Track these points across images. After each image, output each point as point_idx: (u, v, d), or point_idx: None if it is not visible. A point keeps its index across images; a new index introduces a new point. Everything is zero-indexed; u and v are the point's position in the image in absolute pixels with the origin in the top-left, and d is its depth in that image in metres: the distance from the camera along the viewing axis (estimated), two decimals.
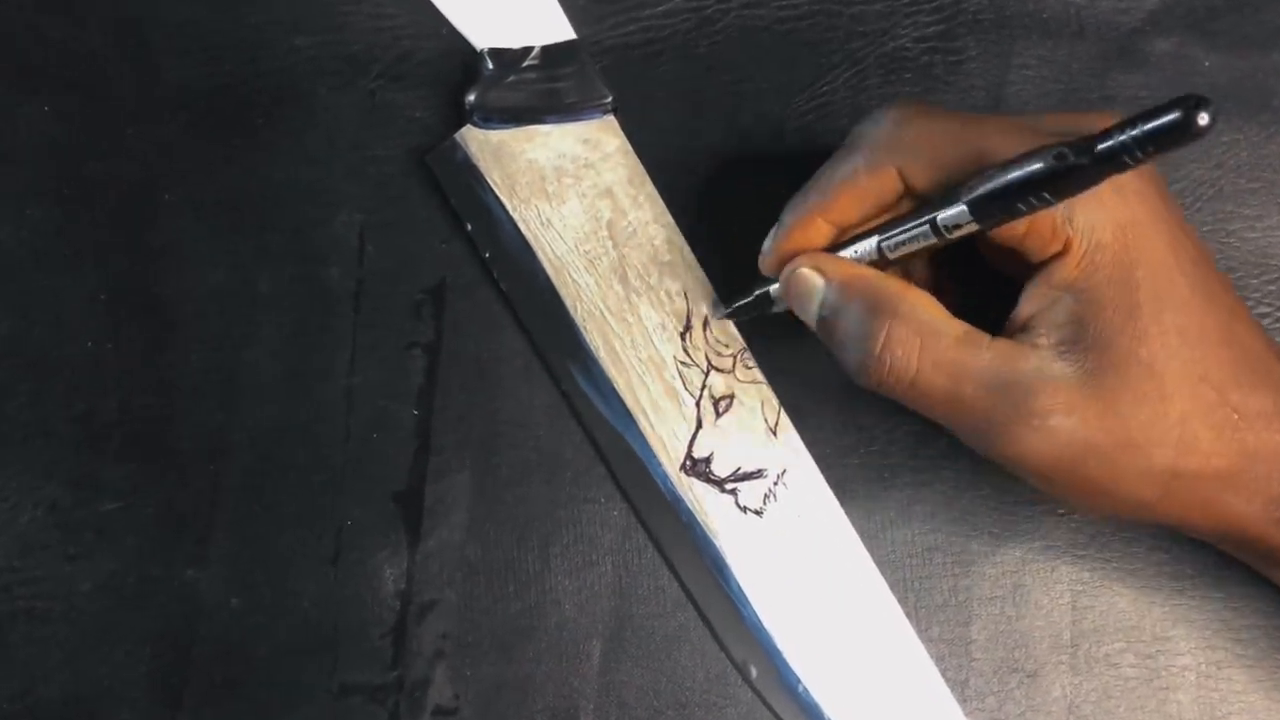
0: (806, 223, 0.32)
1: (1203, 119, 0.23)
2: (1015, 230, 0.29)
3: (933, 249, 0.30)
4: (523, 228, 0.38)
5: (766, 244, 0.34)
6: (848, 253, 0.32)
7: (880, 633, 0.37)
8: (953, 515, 0.38)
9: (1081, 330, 0.29)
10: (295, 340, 0.38)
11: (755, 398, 0.38)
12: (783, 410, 0.38)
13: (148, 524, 0.37)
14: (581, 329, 0.38)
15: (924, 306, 0.30)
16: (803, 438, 0.38)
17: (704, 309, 0.38)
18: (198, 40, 0.39)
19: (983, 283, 0.33)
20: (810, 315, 0.32)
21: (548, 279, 0.38)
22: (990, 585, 0.37)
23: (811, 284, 0.32)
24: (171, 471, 0.37)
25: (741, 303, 0.36)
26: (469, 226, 0.38)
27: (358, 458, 0.37)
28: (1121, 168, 0.25)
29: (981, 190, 0.28)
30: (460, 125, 0.39)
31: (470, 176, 0.38)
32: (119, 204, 0.39)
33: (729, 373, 0.38)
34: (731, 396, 0.38)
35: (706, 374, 0.37)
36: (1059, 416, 0.29)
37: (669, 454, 0.37)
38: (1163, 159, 0.24)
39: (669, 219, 0.38)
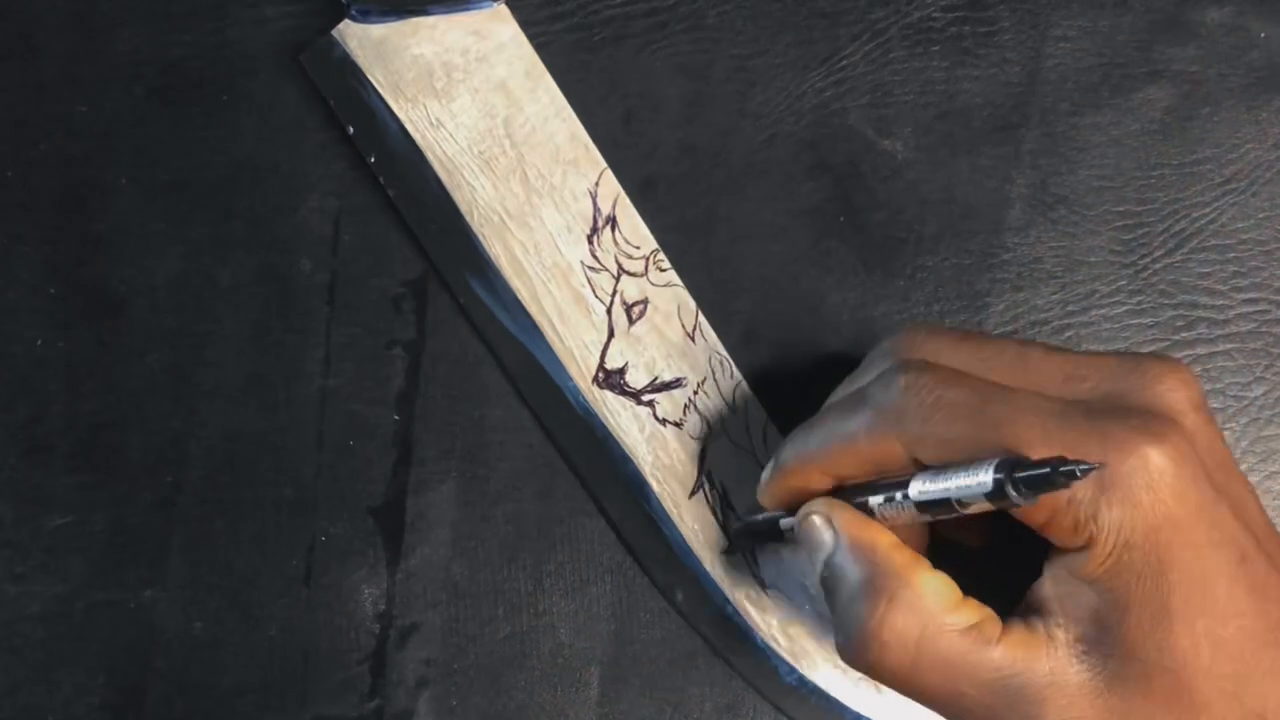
0: (804, 471, 0.31)
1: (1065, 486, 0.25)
2: (1033, 518, 0.27)
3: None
4: (410, 129, 0.36)
5: (765, 474, 0.32)
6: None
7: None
8: None
9: (1103, 631, 0.27)
10: (261, 338, 0.37)
11: (671, 301, 0.37)
12: (700, 313, 0.37)
13: (99, 541, 0.36)
14: (479, 236, 0.36)
15: (931, 590, 0.28)
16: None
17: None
18: (154, 5, 0.38)
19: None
20: (816, 570, 0.31)
21: (440, 184, 0.36)
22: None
23: (819, 538, 0.30)
24: (125, 483, 0.36)
25: (753, 519, 0.35)
26: (350, 130, 0.37)
27: (331, 468, 0.36)
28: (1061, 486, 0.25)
29: (972, 489, 0.26)
30: (337, 20, 0.37)
31: (350, 76, 0.36)
32: (65, 188, 0.37)
33: (641, 276, 0.37)
34: (645, 301, 0.36)
35: (617, 279, 0.36)
36: None
37: (579, 366, 0.36)
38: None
39: (570, 113, 0.37)
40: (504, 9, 0.37)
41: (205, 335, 0.37)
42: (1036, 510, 0.27)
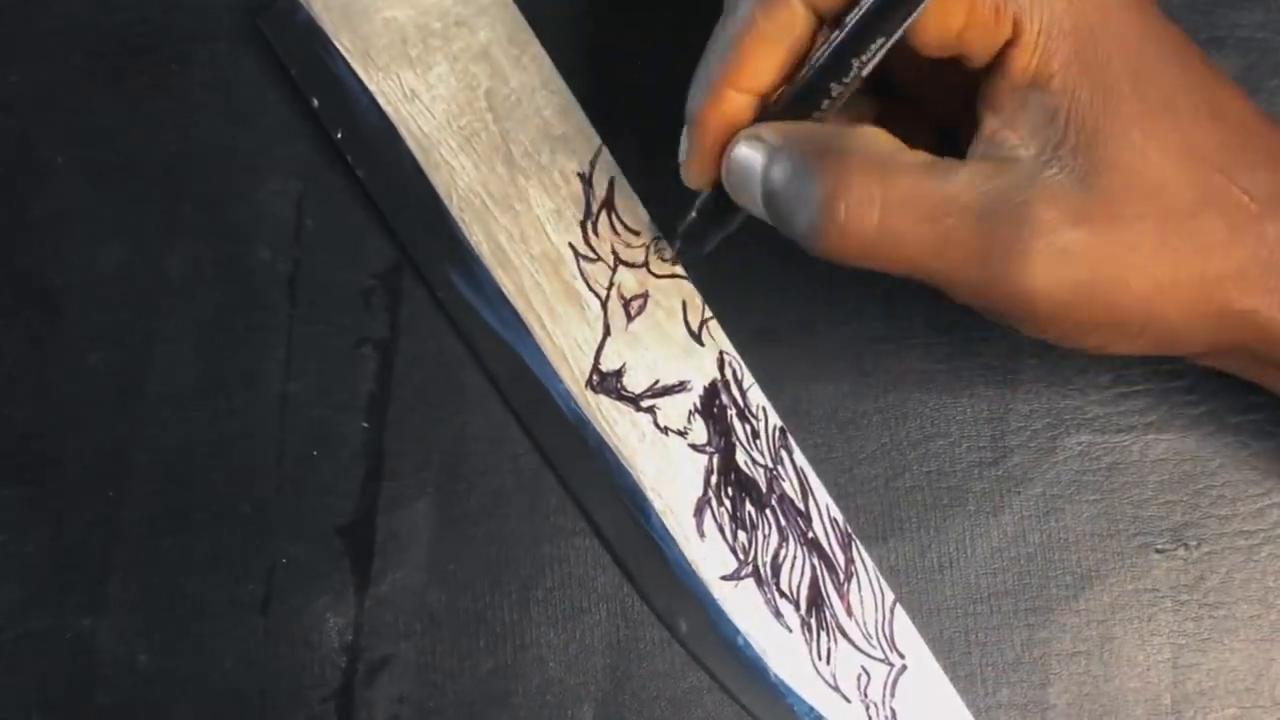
0: (717, 100, 0.30)
1: None
2: (950, 28, 0.28)
3: (863, 81, 0.29)
4: (382, 102, 0.36)
5: (681, 149, 0.32)
6: None
7: (841, 567, 0.35)
8: (1025, 550, 0.36)
9: (1062, 128, 0.27)
10: (215, 336, 0.36)
11: (674, 296, 0.36)
12: (707, 308, 0.36)
13: (33, 563, 0.36)
14: (459, 221, 0.36)
15: (877, 137, 0.29)
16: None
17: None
18: None
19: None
20: (757, 199, 0.30)
21: (415, 163, 0.36)
22: (1073, 639, 0.36)
23: (749, 161, 0.30)
24: (62, 499, 0.36)
25: (686, 224, 0.34)
26: (315, 103, 0.36)
27: (294, 482, 0.36)
28: None
29: None
30: None
31: (314, 42, 0.36)
32: None
33: (641, 267, 0.36)
34: (645, 295, 0.36)
35: (614, 270, 0.36)
36: (1067, 230, 0.27)
37: (571, 368, 0.35)
38: None
39: (560, 84, 0.36)
40: None
41: (152, 333, 0.36)
42: (952, 14, 0.27)
